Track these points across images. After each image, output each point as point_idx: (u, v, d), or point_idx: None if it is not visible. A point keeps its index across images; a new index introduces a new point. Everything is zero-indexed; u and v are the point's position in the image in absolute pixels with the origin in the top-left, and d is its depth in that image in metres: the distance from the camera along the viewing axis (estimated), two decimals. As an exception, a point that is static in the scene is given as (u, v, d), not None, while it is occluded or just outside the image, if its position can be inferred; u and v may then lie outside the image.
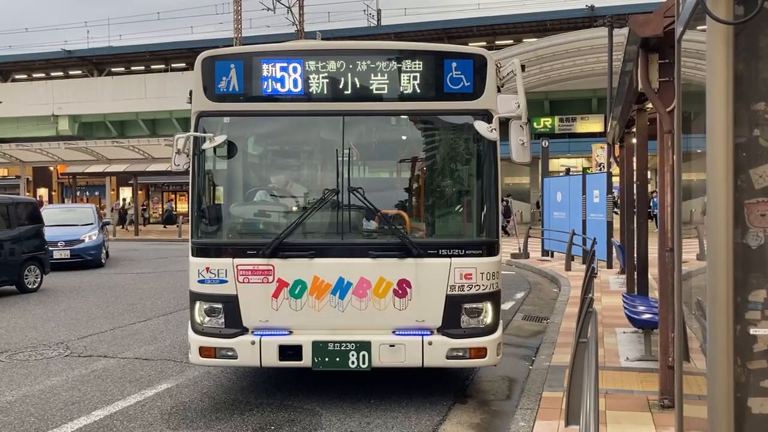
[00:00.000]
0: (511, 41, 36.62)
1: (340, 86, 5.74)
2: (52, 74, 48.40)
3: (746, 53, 2.40)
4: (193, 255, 5.86)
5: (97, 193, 42.50)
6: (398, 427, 5.39)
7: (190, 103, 5.90)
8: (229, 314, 5.70)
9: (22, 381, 6.89)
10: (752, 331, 2.37)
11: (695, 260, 15.60)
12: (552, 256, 18.11)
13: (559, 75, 25.69)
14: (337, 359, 5.60)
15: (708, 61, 2.37)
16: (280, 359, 5.67)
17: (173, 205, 40.46)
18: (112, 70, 47.53)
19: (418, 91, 5.72)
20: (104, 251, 18.78)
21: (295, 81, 5.73)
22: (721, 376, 2.34)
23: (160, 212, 42.11)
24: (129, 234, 31.96)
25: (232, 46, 32.65)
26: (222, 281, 5.70)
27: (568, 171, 26.94)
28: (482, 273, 5.67)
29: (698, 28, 2.88)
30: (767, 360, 2.36)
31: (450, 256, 5.65)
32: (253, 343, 5.66)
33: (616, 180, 15.23)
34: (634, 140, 9.73)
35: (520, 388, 6.35)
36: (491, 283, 5.72)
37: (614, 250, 13.39)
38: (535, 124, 35.96)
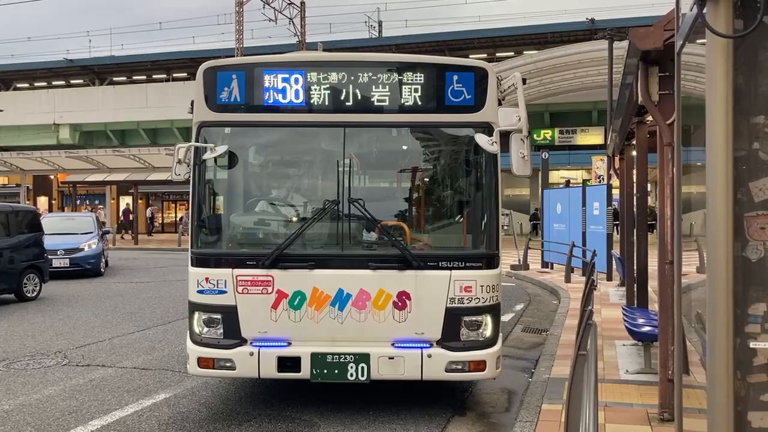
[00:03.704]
0: (512, 53, 36.77)
1: (341, 97, 5.75)
2: (54, 83, 48.57)
3: (746, 67, 2.41)
4: (192, 265, 5.85)
5: (97, 202, 42.53)
6: (397, 439, 5.37)
7: (192, 113, 5.92)
8: (228, 325, 5.69)
9: (20, 390, 6.86)
10: (752, 344, 2.36)
11: (695, 273, 15.61)
12: (552, 267, 18.08)
13: (560, 87, 25.80)
14: (336, 371, 5.59)
15: (707, 75, 2.38)
16: (279, 371, 5.65)
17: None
18: (114, 79, 47.69)
19: (419, 103, 5.74)
20: (104, 260, 18.76)
21: (296, 92, 5.75)
22: (721, 389, 2.33)
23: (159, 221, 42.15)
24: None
25: (234, 56, 32.77)
26: (221, 292, 5.69)
27: (568, 183, 26.94)
28: (482, 286, 5.66)
29: (698, 41, 2.90)
30: (767, 374, 2.35)
31: (450, 269, 5.64)
32: (251, 354, 5.64)
33: (616, 192, 15.24)
34: (634, 153, 9.75)
35: (520, 401, 6.33)
36: (491, 295, 5.71)
37: (614, 262, 13.38)
38: (535, 135, 36.05)
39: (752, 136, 2.41)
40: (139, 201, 36.21)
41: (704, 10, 2.34)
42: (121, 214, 40.20)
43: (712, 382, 2.35)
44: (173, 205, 42.54)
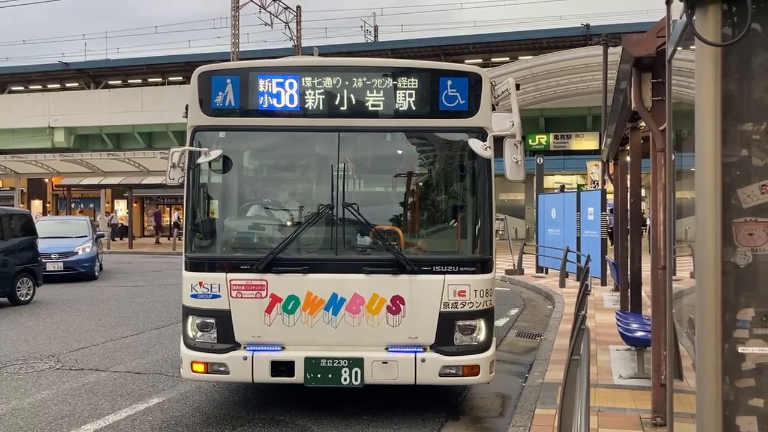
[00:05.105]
0: (507, 58, 36.82)
1: (336, 102, 5.77)
2: (49, 86, 48.45)
3: (735, 74, 2.43)
4: (186, 269, 5.85)
5: (92, 206, 42.42)
6: (390, 444, 5.37)
7: (186, 117, 5.92)
8: (222, 329, 5.69)
9: (12, 394, 6.84)
10: (740, 349, 2.38)
11: (689, 278, 15.63)
12: (546, 272, 18.11)
13: (555, 92, 25.83)
14: (330, 376, 5.59)
15: (697, 82, 2.40)
16: (272, 375, 5.65)
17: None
18: (109, 82, 47.61)
19: (414, 108, 5.76)
20: (98, 264, 18.72)
21: (291, 96, 5.76)
22: (709, 394, 2.35)
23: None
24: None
25: (230, 60, 32.77)
26: (215, 296, 5.69)
27: (562, 188, 27.03)
28: (476, 290, 5.67)
29: (691, 47, 2.92)
30: (755, 378, 2.37)
31: (444, 273, 5.65)
32: (245, 358, 5.64)
33: (610, 197, 15.28)
34: (628, 158, 9.78)
35: (513, 405, 6.33)
36: (485, 300, 5.72)
37: (608, 267, 13.41)
38: (530, 141, 36.14)
39: (742, 142, 2.43)
40: (134, 204, 36.16)
41: (693, 18, 2.36)
42: (153, 217, 40.20)
43: (701, 387, 2.37)
44: (167, 208, 42.46)
